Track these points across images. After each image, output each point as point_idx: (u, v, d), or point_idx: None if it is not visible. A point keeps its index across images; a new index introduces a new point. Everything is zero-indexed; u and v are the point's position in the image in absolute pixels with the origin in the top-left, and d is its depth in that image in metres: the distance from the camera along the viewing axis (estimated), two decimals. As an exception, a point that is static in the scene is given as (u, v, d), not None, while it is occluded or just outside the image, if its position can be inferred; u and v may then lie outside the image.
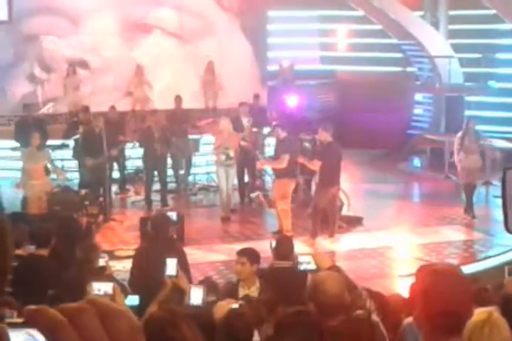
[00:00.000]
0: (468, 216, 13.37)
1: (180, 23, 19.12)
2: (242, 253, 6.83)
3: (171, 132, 14.49)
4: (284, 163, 12.00)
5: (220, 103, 18.27)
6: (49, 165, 12.44)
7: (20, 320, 0.98)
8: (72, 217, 9.34)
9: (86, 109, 15.36)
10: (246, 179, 14.76)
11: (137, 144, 14.80)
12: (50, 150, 14.22)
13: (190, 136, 15.33)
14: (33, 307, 0.97)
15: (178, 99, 16.05)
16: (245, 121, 14.49)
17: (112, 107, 15.49)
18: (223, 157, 13.28)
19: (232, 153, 13.30)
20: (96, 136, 13.20)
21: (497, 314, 3.65)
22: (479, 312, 3.64)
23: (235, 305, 4.59)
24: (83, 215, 10.59)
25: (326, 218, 12.15)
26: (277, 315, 4.21)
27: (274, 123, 13.92)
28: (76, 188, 12.99)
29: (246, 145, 13.92)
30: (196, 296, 5.38)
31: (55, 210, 9.46)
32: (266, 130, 15.36)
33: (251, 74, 19.43)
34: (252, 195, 14.56)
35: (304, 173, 13.35)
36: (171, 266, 5.77)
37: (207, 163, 15.55)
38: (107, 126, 13.46)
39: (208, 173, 15.79)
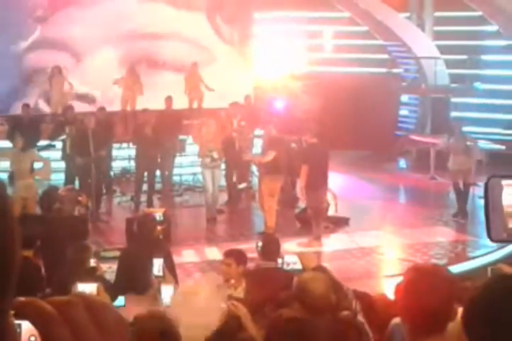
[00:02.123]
0: (457, 218, 13.37)
1: (182, 55, 19.11)
2: (228, 254, 6.84)
3: (161, 132, 14.51)
4: (269, 157, 12.08)
5: (208, 104, 18.23)
6: (37, 165, 12.39)
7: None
8: (80, 217, 9.35)
9: (70, 107, 15.29)
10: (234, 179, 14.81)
11: (124, 145, 14.78)
12: (36, 151, 14.19)
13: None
14: (22, 299, 0.98)
15: (168, 99, 16.03)
16: (235, 121, 14.59)
17: (101, 108, 15.45)
18: (208, 159, 13.32)
19: (216, 155, 13.35)
20: (84, 136, 13.17)
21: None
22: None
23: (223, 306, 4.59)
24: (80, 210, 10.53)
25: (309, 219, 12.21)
26: (268, 319, 4.20)
27: (264, 121, 13.98)
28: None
29: (237, 136, 14.03)
30: (167, 294, 5.40)
31: (57, 209, 9.41)
32: (256, 130, 15.40)
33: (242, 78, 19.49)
34: (240, 186, 14.64)
35: (292, 174, 13.38)
36: (158, 267, 5.79)
37: (192, 163, 15.56)
38: (96, 127, 13.43)
39: (194, 174, 15.79)
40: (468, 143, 14.11)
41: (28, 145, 12.76)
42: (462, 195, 13.47)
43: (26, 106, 15.52)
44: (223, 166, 14.39)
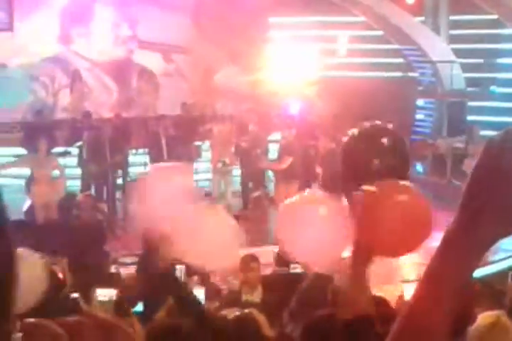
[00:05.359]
0: None
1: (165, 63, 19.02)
2: (254, 258, 6.84)
3: (176, 138, 14.53)
4: (285, 164, 12.07)
5: (223, 109, 18.26)
6: (57, 172, 12.41)
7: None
8: (98, 223, 9.38)
9: (88, 114, 15.34)
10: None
11: (140, 151, 14.81)
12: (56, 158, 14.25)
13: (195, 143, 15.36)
14: (31, 320, 0.98)
15: (184, 105, 16.05)
16: (251, 126, 14.57)
17: (118, 114, 15.49)
18: (220, 164, 13.33)
19: (228, 160, 13.35)
20: (100, 142, 13.21)
21: (505, 317, 3.66)
22: (487, 315, 3.64)
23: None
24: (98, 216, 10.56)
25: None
26: (304, 319, 4.18)
27: (284, 125, 13.96)
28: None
29: (246, 145, 13.96)
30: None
31: (75, 215, 9.44)
32: (271, 134, 15.37)
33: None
34: (255, 195, 14.60)
35: (308, 178, 13.35)
36: (179, 273, 5.78)
37: (208, 169, 15.57)
38: (113, 133, 13.47)
39: (209, 180, 15.78)
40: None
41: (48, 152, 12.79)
42: None
43: (39, 112, 15.55)
44: (236, 172, 14.38)
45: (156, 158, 14.06)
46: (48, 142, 12.57)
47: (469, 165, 13.60)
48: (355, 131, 3.26)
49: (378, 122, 3.28)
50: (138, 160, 15.36)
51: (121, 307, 5.04)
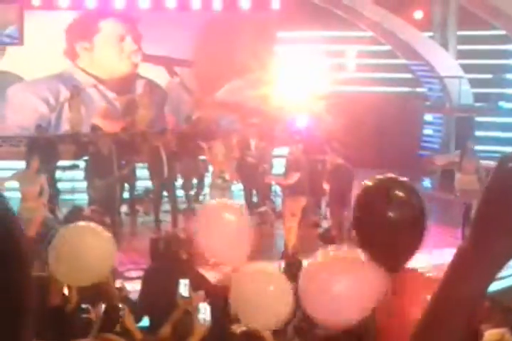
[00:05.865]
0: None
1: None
2: None
3: (180, 153, 14.49)
4: (292, 179, 12.04)
5: (228, 123, 18.27)
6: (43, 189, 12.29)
7: None
8: None
9: (97, 127, 15.37)
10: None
11: (145, 164, 14.80)
12: (61, 171, 14.19)
13: (201, 157, 15.33)
14: None
15: (188, 119, 16.04)
16: (254, 141, 14.53)
17: (123, 128, 15.51)
18: (219, 180, 13.28)
19: (228, 176, 13.31)
20: (105, 156, 13.20)
21: (509, 335, 3.65)
22: (492, 333, 3.63)
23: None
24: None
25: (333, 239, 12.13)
26: (308, 334, 4.15)
27: (290, 141, 13.92)
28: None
29: (252, 161, 13.93)
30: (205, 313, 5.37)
31: None
32: (276, 149, 15.34)
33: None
34: (261, 210, 14.54)
35: (316, 194, 13.33)
36: (184, 288, 5.74)
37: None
38: (118, 147, 13.47)
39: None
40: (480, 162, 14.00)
41: (43, 168, 12.69)
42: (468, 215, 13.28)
43: (40, 126, 15.55)
44: (238, 188, 14.36)
45: (156, 173, 14.00)
46: (40, 159, 12.45)
47: (459, 181, 13.53)
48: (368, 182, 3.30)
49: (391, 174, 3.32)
50: (144, 174, 15.36)
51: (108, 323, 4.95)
